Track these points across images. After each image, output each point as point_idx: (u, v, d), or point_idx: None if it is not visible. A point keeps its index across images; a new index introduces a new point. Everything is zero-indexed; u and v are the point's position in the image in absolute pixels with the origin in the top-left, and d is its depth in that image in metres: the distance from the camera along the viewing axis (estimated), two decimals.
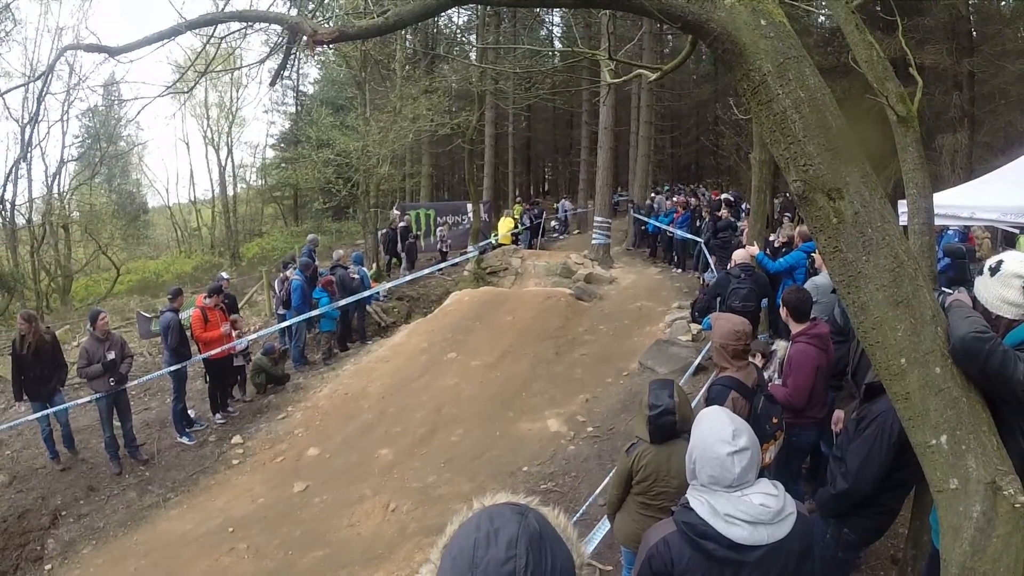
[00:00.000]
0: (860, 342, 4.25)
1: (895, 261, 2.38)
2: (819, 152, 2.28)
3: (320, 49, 2.65)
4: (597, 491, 6.12)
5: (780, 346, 5.60)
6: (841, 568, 4.15)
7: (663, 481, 3.74)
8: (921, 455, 2.56)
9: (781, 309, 5.16)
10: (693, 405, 4.22)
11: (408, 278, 17.56)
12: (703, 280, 13.97)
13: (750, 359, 4.40)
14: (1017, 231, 8.72)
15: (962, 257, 8.28)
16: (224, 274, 11.10)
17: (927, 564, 3.76)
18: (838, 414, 5.07)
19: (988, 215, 7.59)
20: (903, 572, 4.31)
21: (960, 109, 17.30)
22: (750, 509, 2.24)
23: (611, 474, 4.22)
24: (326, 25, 3.00)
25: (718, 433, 2.35)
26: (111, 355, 8.61)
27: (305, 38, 2.57)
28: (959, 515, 2.45)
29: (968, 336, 2.42)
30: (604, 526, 5.25)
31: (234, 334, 10.66)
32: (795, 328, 5.04)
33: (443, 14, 30.28)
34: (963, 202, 7.85)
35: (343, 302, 13.00)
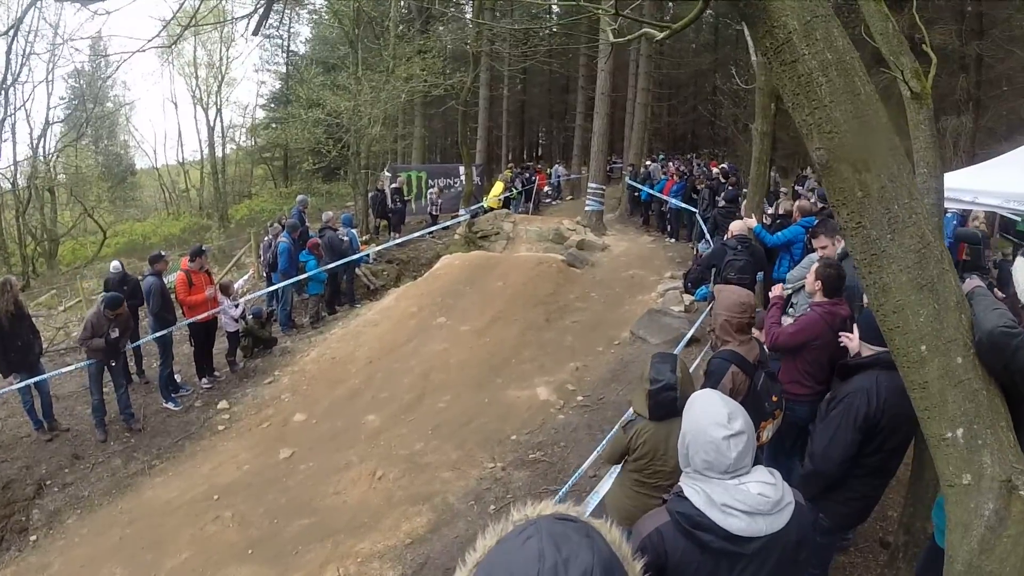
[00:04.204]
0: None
1: (921, 241, 2.23)
2: (846, 119, 2.10)
3: None
4: (586, 464, 6.01)
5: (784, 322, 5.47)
6: (824, 552, 4.08)
7: (660, 460, 3.63)
8: (934, 448, 2.46)
9: (815, 281, 4.99)
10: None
11: (398, 241, 17.41)
12: (697, 250, 13.86)
13: (752, 333, 4.27)
14: (1018, 218, 8.61)
15: (977, 243, 8.13)
16: (116, 264, 10.72)
17: (925, 556, 3.70)
18: None
19: (991, 200, 7.47)
20: (894, 557, 4.25)
21: (966, 92, 17.18)
22: (748, 499, 2.11)
23: (604, 444, 4.10)
24: None
25: (712, 416, 2.23)
26: (115, 333, 8.49)
27: None
28: (970, 512, 2.37)
29: (996, 330, 2.29)
30: (593, 501, 5.18)
31: (227, 301, 10.49)
32: (819, 299, 4.92)
33: None
34: (966, 185, 7.74)
35: (332, 265, 12.83)
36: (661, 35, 3.07)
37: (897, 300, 2.30)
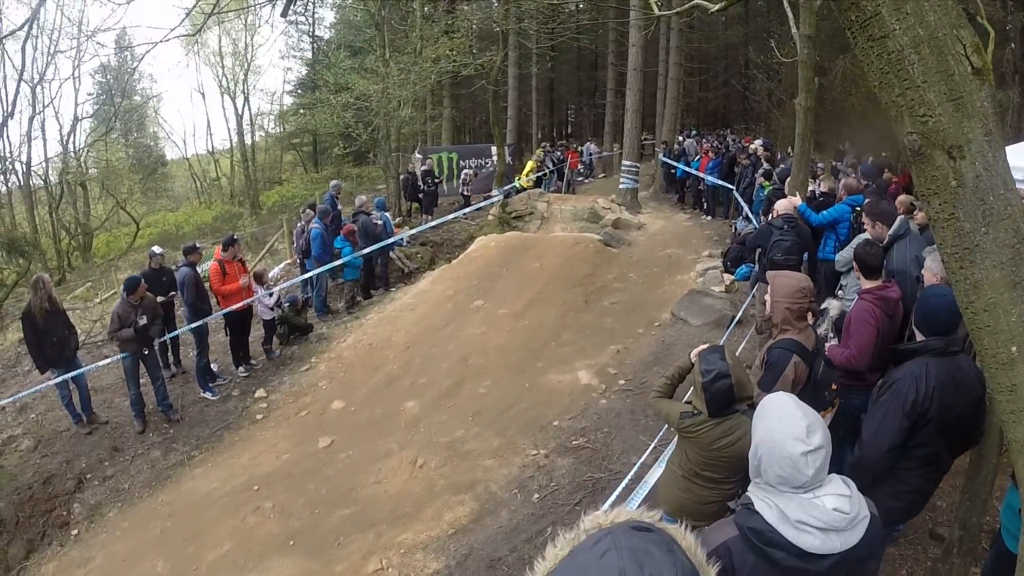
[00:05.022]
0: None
1: (1016, 236, 2.05)
2: (940, 102, 1.92)
3: None
4: (640, 460, 5.90)
5: (832, 305, 5.28)
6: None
7: (715, 456, 3.49)
8: (1017, 453, 2.32)
9: (855, 264, 4.81)
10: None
11: (432, 224, 17.32)
12: (735, 228, 13.60)
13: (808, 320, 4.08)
14: None
15: None
16: (156, 248, 10.60)
17: (992, 559, 3.61)
18: None
19: None
20: (948, 552, 4.09)
21: (1012, 65, 16.57)
22: (823, 515, 1.97)
23: (658, 409, 3.93)
24: None
25: (790, 429, 2.05)
26: (143, 320, 8.46)
27: None
28: None
29: None
30: (643, 491, 5.07)
31: (261, 289, 10.47)
32: (865, 284, 4.70)
33: None
34: (1013, 163, 7.41)
35: (366, 250, 12.78)
36: (716, 7, 2.91)
37: (989, 298, 2.12)
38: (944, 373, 3.42)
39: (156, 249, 10.28)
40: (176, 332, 9.91)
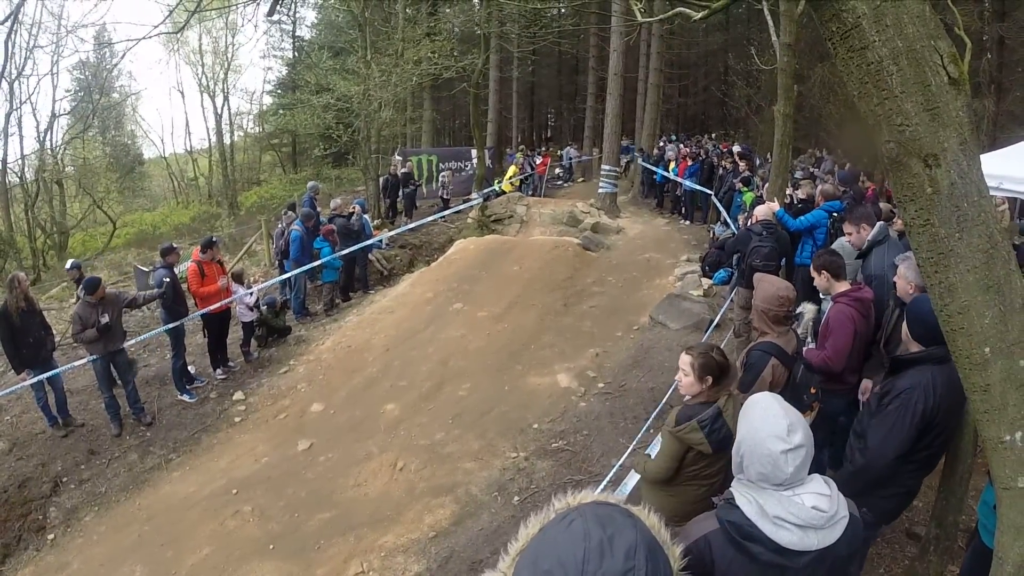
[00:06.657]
0: (897, 312, 4.06)
1: (989, 241, 2.14)
2: (917, 111, 1.99)
3: None
4: (619, 462, 5.94)
5: (808, 309, 5.35)
6: (863, 546, 3.99)
7: (711, 466, 3.50)
8: (991, 450, 2.41)
9: (820, 274, 4.87)
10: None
11: (411, 226, 17.29)
12: (713, 233, 13.72)
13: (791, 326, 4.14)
14: None
15: None
16: (69, 264, 10.25)
17: (971, 557, 3.66)
18: (866, 384, 4.81)
19: (1016, 187, 7.36)
20: (925, 550, 4.17)
21: (988, 75, 16.86)
22: (801, 512, 2.02)
23: (659, 451, 3.81)
24: None
25: (771, 427, 2.09)
26: (105, 318, 8.30)
27: None
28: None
29: None
30: (623, 492, 5.09)
31: (242, 288, 10.42)
32: (838, 288, 4.77)
33: None
34: (990, 171, 7.56)
35: (347, 250, 12.74)
36: (699, 15, 2.94)
37: (963, 301, 2.21)
38: (947, 379, 3.45)
39: (68, 265, 10.12)
40: (151, 333, 9.78)
